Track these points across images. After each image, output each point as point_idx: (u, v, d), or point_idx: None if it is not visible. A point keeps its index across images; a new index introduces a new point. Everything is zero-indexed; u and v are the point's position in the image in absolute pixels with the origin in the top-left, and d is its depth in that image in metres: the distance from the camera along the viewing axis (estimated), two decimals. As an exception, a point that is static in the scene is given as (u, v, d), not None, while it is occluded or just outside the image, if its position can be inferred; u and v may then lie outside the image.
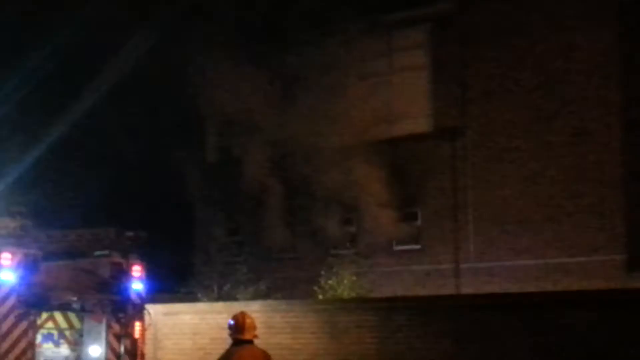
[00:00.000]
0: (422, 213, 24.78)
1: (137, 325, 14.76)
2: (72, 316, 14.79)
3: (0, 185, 20.36)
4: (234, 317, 10.73)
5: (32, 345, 13.91)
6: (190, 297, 23.53)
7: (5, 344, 13.59)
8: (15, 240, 14.36)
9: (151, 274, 15.14)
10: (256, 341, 10.79)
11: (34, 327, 14.03)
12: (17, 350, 13.72)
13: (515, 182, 23.29)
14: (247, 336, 10.58)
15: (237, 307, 19.29)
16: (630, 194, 22.06)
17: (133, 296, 14.77)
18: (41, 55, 24.81)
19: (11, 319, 13.71)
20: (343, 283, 22.57)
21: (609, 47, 22.45)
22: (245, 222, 25.77)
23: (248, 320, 10.64)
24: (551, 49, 23.08)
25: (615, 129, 22.28)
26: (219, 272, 24.32)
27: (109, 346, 14.62)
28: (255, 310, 18.52)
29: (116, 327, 14.63)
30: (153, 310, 16.15)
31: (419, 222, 24.85)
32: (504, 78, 23.66)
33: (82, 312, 14.65)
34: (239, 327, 10.61)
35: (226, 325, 10.90)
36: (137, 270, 14.83)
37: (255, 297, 22.91)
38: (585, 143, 22.52)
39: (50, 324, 14.64)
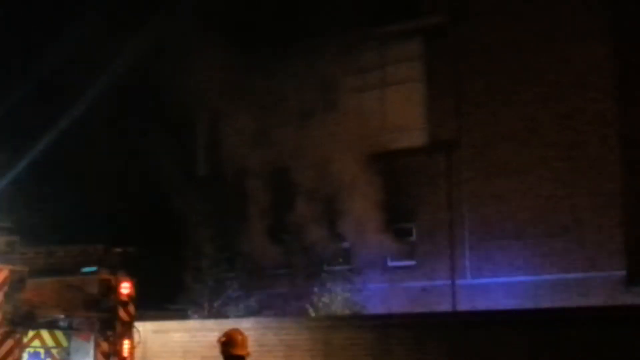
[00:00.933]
0: (417, 228, 24.57)
1: (126, 344, 14.62)
2: (59, 334, 14.68)
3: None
4: (227, 333, 10.48)
5: (18, 364, 13.68)
6: (180, 314, 23.31)
7: (-9, 363, 13.37)
8: (1, 257, 14.15)
9: (140, 291, 14.94)
10: (251, 359, 10.54)
11: (21, 345, 13.86)
12: (2, 369, 13.51)
13: (512, 196, 23.11)
14: (240, 352, 10.35)
15: (228, 324, 19.02)
16: (628, 209, 21.89)
17: (122, 313, 14.60)
18: (23, 70, 24.67)
19: (-3, 337, 13.49)
20: (336, 300, 22.37)
21: (603, 60, 22.35)
22: (236, 238, 25.51)
23: (240, 337, 10.42)
24: (546, 62, 22.96)
25: (611, 143, 22.14)
26: (210, 288, 24.08)
27: (98, 365, 14.40)
28: (248, 328, 18.21)
29: (104, 346, 14.49)
30: (142, 328, 15.93)
31: (413, 238, 24.64)
32: (499, 91, 23.53)
33: (69, 329, 14.55)
34: (232, 343, 10.38)
35: (217, 343, 10.52)
36: (125, 287, 14.68)
37: (246, 314, 22.70)
38: (582, 157, 22.37)
39: (37, 342, 14.52)
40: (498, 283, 22.89)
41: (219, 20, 24.11)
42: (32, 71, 24.41)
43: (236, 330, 10.55)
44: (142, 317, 16.47)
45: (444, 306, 23.22)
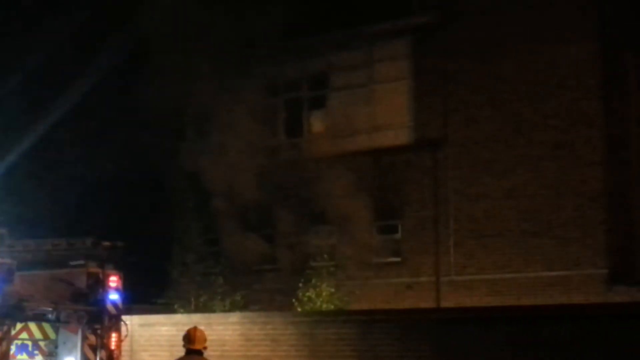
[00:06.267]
0: (402, 225, 24.65)
1: (114, 337, 14.59)
2: (47, 327, 14.59)
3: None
4: (187, 330, 12.28)
5: (6, 356, 13.70)
6: (167, 308, 23.33)
7: (-21, 355, 13.40)
8: (-11, 250, 14.17)
9: (128, 285, 14.97)
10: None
11: (8, 338, 13.82)
12: (-10, 361, 13.54)
13: (497, 195, 23.23)
14: (196, 346, 12.07)
15: (215, 319, 19.15)
16: (611, 208, 22.05)
17: (109, 307, 14.60)
18: (13, 63, 24.66)
19: (-15, 330, 13.51)
20: (321, 295, 22.44)
21: (590, 60, 22.45)
22: (222, 233, 25.57)
23: (198, 333, 12.14)
24: (533, 62, 23.06)
25: (596, 143, 22.28)
26: (196, 283, 24.11)
27: (85, 358, 14.41)
28: (234, 322, 18.44)
29: (92, 338, 14.44)
30: (129, 322, 15.98)
31: (399, 235, 24.73)
32: (486, 90, 23.62)
33: (57, 322, 14.46)
34: (190, 339, 12.14)
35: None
36: (113, 281, 14.66)
37: (232, 308, 22.75)
38: (567, 156, 22.50)
39: (24, 335, 14.42)
40: (481, 280, 23.02)
41: (209, 17, 24.12)
42: (23, 65, 24.42)
43: (195, 328, 12.30)
44: (130, 311, 16.53)
45: (429, 302, 23.32)
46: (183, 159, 26.55)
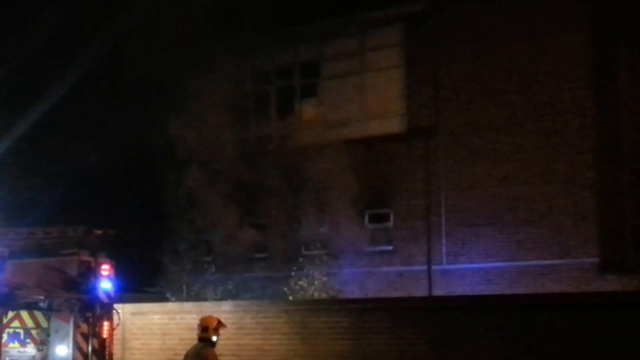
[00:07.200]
0: (394, 214, 24.66)
1: (106, 325, 14.63)
2: (39, 315, 14.64)
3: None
4: (201, 318, 12.83)
5: (-2, 344, 13.71)
6: (159, 296, 23.33)
7: (-30, 343, 13.40)
8: (-20, 238, 14.14)
9: (120, 273, 14.98)
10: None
11: (0, 326, 13.81)
12: (-19, 350, 13.54)
13: (488, 183, 23.24)
14: (205, 335, 12.61)
15: (207, 307, 19.14)
16: (603, 197, 22.08)
17: (101, 295, 14.62)
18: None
19: (-24, 318, 13.51)
20: (314, 284, 22.47)
21: (582, 49, 22.45)
22: (214, 221, 25.56)
23: (203, 323, 12.70)
24: (525, 51, 23.04)
25: (587, 131, 22.28)
26: (188, 271, 24.12)
27: (77, 346, 14.45)
28: (226, 311, 18.42)
29: (84, 327, 14.47)
30: (121, 310, 15.99)
31: (391, 223, 24.74)
32: (478, 79, 23.60)
33: (49, 311, 14.50)
34: (201, 327, 12.69)
35: (195, 326, 12.82)
36: (105, 269, 14.68)
37: (224, 297, 22.75)
38: (558, 145, 22.50)
39: (16, 323, 14.50)
40: (473, 269, 23.04)
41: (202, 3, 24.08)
42: (11, 52, 24.31)
43: (209, 317, 12.75)
44: (122, 299, 16.54)
45: (420, 291, 23.32)
46: (174, 147, 26.56)
